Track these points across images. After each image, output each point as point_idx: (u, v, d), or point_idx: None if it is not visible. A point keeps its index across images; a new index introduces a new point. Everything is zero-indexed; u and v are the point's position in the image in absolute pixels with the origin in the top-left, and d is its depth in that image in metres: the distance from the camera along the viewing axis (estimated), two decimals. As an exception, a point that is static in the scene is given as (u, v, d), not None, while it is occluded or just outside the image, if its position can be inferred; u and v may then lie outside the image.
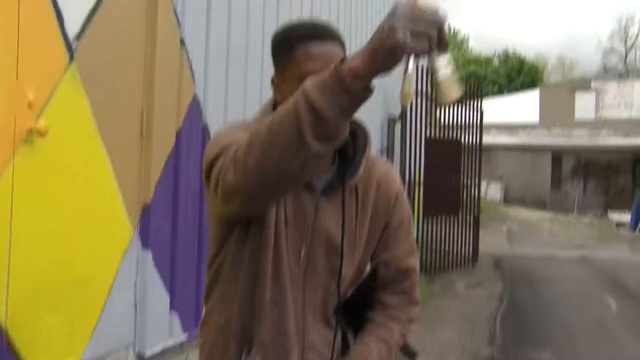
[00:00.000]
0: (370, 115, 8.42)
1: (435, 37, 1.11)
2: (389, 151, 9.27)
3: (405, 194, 1.69)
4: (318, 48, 1.45)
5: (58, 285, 2.76)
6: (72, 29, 2.79)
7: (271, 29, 4.74)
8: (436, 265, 9.38)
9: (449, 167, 9.95)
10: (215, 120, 3.91)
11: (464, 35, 59.02)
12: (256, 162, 1.22)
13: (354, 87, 1.13)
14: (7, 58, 2.46)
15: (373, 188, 1.61)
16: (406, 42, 1.09)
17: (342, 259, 1.54)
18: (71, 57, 2.79)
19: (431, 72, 1.17)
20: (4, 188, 2.47)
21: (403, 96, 1.24)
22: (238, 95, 4.21)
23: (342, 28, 6.91)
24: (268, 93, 1.60)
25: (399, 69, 1.18)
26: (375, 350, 1.57)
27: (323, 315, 1.56)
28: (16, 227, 2.53)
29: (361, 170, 1.57)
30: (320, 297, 1.55)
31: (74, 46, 2.80)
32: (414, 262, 1.68)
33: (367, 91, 1.15)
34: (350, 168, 1.56)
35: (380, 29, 1.11)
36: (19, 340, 2.56)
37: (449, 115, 9.98)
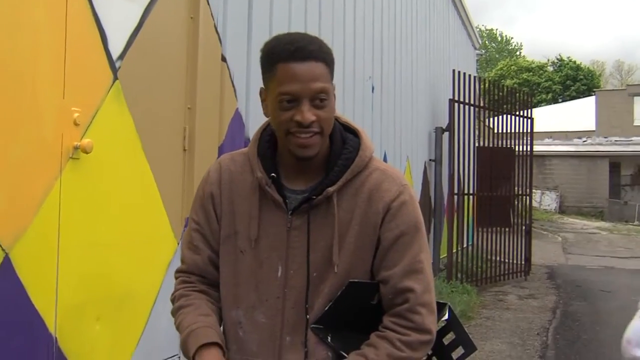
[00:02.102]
0: (418, 126, 8.40)
1: None
2: (437, 162, 9.21)
3: (411, 204, 1.57)
4: (297, 68, 1.46)
5: (103, 297, 2.85)
6: (116, 48, 2.90)
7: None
8: (487, 276, 9.24)
9: (501, 177, 9.81)
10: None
11: (517, 44, 58.24)
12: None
13: None
14: (55, 79, 2.57)
15: (364, 199, 1.55)
16: None
17: (309, 276, 1.54)
18: (115, 76, 2.89)
19: None
20: (52, 203, 2.57)
21: None
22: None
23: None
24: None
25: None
26: None
27: (304, 335, 1.55)
28: (64, 240, 2.62)
29: (336, 186, 1.54)
30: (301, 315, 1.55)
31: (117, 65, 2.91)
32: (413, 283, 1.52)
33: None
34: (322, 184, 1.55)
35: None
36: (68, 349, 2.66)
37: (499, 124, 9.86)
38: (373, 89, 6.52)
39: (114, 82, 2.89)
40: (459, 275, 8.65)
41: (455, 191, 8.96)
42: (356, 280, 1.54)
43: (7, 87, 2.36)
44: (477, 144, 9.73)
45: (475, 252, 9.35)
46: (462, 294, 7.79)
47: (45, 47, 2.52)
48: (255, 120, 4.00)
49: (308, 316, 1.54)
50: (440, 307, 1.67)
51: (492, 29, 57.85)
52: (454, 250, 8.74)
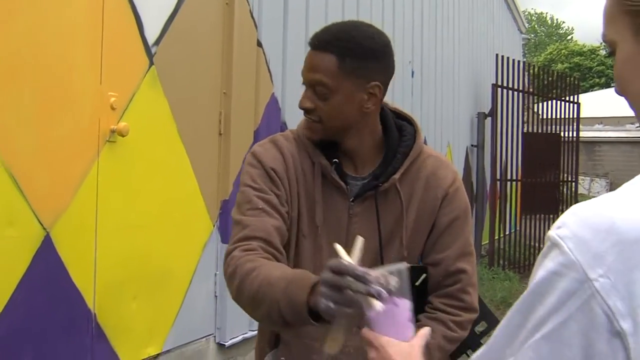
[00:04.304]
0: (460, 111, 8.32)
1: (361, 304, 1.13)
2: (479, 147, 9.10)
3: (462, 189, 1.62)
4: (308, 55, 1.54)
5: (141, 276, 2.94)
6: (152, 34, 2.97)
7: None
8: (530, 263, 9.12)
9: (547, 163, 9.64)
10: (294, 117, 4.01)
11: (568, 28, 56.80)
12: (246, 307, 1.44)
13: (310, 320, 1.25)
14: (92, 65, 2.66)
15: (421, 185, 1.58)
16: (329, 311, 1.15)
17: (382, 261, 1.53)
18: (151, 62, 2.97)
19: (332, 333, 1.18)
20: (90, 185, 2.67)
21: (329, 341, 1.19)
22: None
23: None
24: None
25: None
26: None
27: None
28: (101, 221, 2.72)
29: (399, 173, 1.55)
30: None
31: (153, 51, 2.98)
32: (465, 264, 1.58)
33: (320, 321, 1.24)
34: (386, 172, 1.56)
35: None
36: (106, 324, 2.76)
37: (545, 110, 9.69)
38: (413, 73, 6.48)
39: (149, 67, 2.96)
40: (501, 261, 8.56)
41: (498, 177, 8.85)
42: (412, 265, 1.54)
43: (46, 73, 2.46)
44: (522, 130, 9.58)
45: (518, 239, 9.23)
46: (503, 280, 7.71)
47: (82, 34, 2.60)
48: (292, 104, 4.01)
49: None
50: None
51: (541, 13, 56.52)
52: (496, 237, 8.65)
